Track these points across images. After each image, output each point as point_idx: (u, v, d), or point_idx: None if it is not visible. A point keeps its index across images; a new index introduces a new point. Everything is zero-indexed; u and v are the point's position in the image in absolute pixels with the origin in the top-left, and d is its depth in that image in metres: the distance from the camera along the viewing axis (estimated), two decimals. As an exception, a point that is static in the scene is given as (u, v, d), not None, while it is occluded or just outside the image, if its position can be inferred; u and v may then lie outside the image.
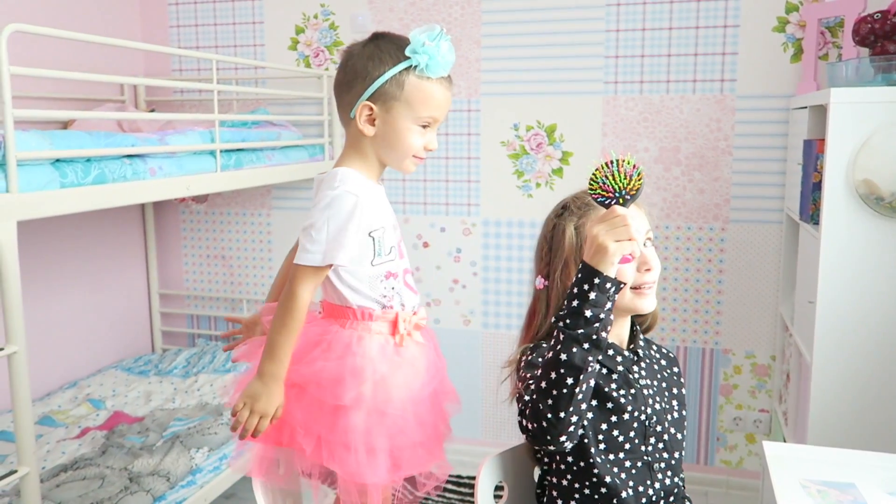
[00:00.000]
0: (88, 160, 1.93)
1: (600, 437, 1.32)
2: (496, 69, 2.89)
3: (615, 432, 1.33)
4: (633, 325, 1.46)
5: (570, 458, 1.33)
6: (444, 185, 3.01)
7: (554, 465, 1.37)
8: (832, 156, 1.87)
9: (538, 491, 1.46)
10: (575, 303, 1.15)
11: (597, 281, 1.14)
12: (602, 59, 2.77)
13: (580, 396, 1.15)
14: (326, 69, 3.08)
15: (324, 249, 1.34)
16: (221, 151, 2.46)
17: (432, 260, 3.06)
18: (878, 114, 1.82)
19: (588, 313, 1.14)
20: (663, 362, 1.49)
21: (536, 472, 1.50)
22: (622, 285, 1.18)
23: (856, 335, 1.91)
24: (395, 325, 1.45)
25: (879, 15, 1.96)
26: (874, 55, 1.98)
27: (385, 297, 1.45)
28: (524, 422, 1.20)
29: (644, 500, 1.34)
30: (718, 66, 2.66)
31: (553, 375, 1.15)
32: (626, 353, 1.41)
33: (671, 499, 1.39)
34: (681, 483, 1.42)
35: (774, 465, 1.39)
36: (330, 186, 1.38)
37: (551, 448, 1.20)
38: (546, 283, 1.40)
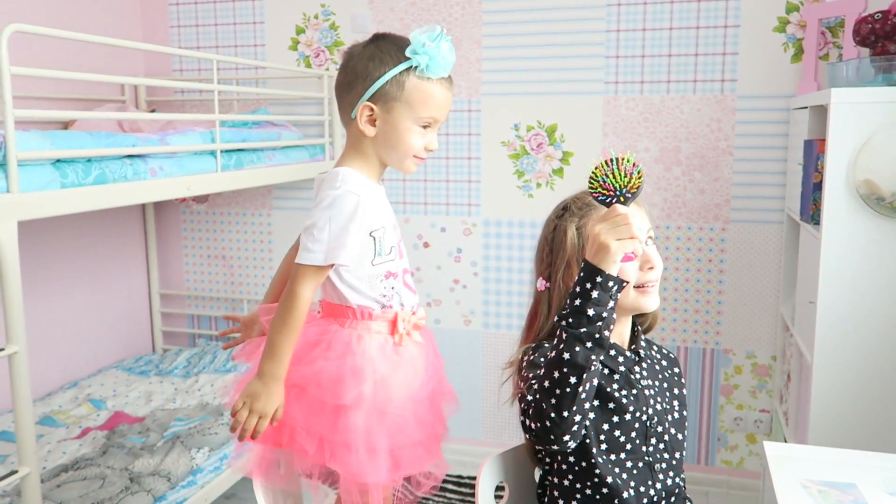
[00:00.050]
0: (89, 160, 1.93)
1: (602, 437, 1.32)
2: (497, 69, 2.89)
3: (617, 433, 1.33)
4: (634, 325, 1.46)
5: (571, 459, 1.33)
6: (444, 186, 3.01)
7: (555, 466, 1.37)
8: (833, 156, 1.87)
9: (539, 491, 1.46)
10: (577, 301, 1.15)
11: (599, 279, 1.14)
12: (603, 60, 2.77)
13: (583, 395, 1.15)
14: (327, 69, 3.08)
15: (326, 249, 1.34)
16: (222, 151, 2.46)
17: (433, 260, 3.06)
18: (879, 114, 1.82)
19: (591, 312, 1.14)
20: (664, 363, 1.49)
21: (537, 472, 1.50)
22: (624, 284, 1.18)
23: (856, 335, 1.91)
24: (394, 324, 1.46)
25: (880, 15, 1.96)
26: (875, 55, 1.98)
27: (385, 296, 1.46)
28: (527, 421, 1.20)
29: (645, 501, 1.34)
30: (719, 66, 2.66)
31: (556, 374, 1.15)
32: (628, 353, 1.41)
33: (672, 499, 1.39)
34: (682, 483, 1.42)
35: (775, 466, 1.39)
36: (332, 186, 1.38)
37: (555, 448, 1.19)
38: (547, 284, 1.40)
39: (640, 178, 1.17)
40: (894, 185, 1.81)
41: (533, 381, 1.22)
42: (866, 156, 1.83)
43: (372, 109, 1.40)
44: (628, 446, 1.34)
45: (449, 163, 2.99)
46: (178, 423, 2.54)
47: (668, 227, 2.79)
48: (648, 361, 1.44)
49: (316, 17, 3.08)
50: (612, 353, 1.38)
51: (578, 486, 1.33)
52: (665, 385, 1.44)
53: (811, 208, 2.06)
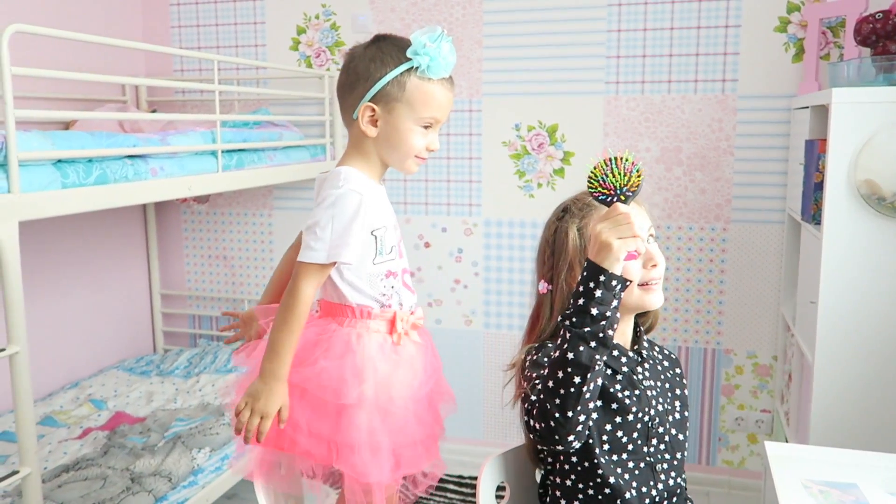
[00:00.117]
0: (90, 160, 1.93)
1: (604, 437, 1.32)
2: (498, 69, 2.89)
3: (619, 433, 1.33)
4: (636, 325, 1.46)
5: (574, 459, 1.33)
6: (445, 186, 3.01)
7: (558, 466, 1.37)
8: (834, 156, 1.87)
9: (540, 491, 1.46)
10: (581, 301, 1.15)
11: (602, 278, 1.14)
12: (603, 60, 2.77)
13: (588, 395, 1.15)
14: (328, 69, 3.08)
15: (328, 247, 1.35)
16: (223, 152, 2.46)
17: (434, 260, 3.06)
18: (880, 114, 1.82)
19: (594, 311, 1.14)
20: (666, 363, 1.49)
21: (538, 472, 1.50)
22: (628, 283, 1.18)
23: (857, 335, 1.91)
24: (392, 323, 1.46)
25: (881, 15, 1.96)
26: (876, 55, 1.97)
27: (384, 295, 1.46)
28: (531, 422, 1.20)
29: (647, 501, 1.34)
30: (720, 66, 2.66)
31: (560, 374, 1.15)
32: (631, 353, 1.41)
33: (674, 499, 1.39)
34: (683, 484, 1.42)
35: (776, 466, 1.39)
36: (334, 185, 1.38)
37: (559, 448, 1.19)
38: (549, 287, 1.40)
39: (639, 176, 1.17)
40: (895, 185, 1.81)
41: (536, 381, 1.22)
42: (867, 156, 1.83)
43: (373, 110, 1.41)
44: (630, 447, 1.34)
45: (450, 163, 2.99)
46: (179, 423, 2.54)
47: (668, 227, 2.79)
48: (650, 362, 1.44)
49: (317, 17, 3.08)
50: (615, 353, 1.38)
51: (581, 486, 1.33)
52: (667, 386, 1.44)
53: (812, 208, 2.06)
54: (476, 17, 2.89)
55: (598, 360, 1.15)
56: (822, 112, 2.10)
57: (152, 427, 2.51)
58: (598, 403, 1.31)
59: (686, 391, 1.50)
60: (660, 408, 1.39)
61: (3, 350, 1.64)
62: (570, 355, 1.14)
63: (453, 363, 3.06)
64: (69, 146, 1.86)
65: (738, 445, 2.83)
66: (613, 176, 1.18)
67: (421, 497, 1.59)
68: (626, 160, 1.18)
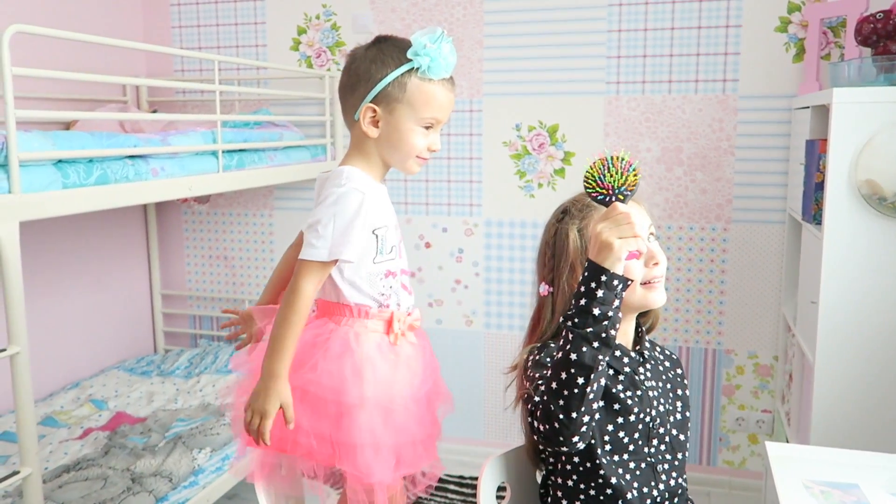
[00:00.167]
0: (91, 161, 1.93)
1: (606, 437, 1.32)
2: (498, 69, 2.89)
3: (621, 434, 1.32)
4: (637, 326, 1.46)
5: (576, 459, 1.33)
6: (446, 186, 3.01)
7: (559, 466, 1.37)
8: (835, 156, 1.87)
9: (542, 491, 1.45)
10: (583, 301, 1.15)
11: (604, 278, 1.14)
12: (604, 60, 2.77)
13: (591, 396, 1.15)
14: (328, 70, 3.08)
15: (329, 245, 1.35)
16: (223, 152, 2.46)
17: (434, 260, 3.06)
18: (881, 114, 1.82)
19: (596, 311, 1.14)
20: (667, 364, 1.49)
21: (539, 473, 1.50)
22: (629, 282, 1.18)
23: (858, 335, 1.91)
24: (389, 324, 1.47)
25: (882, 15, 1.95)
26: (876, 55, 1.97)
27: (383, 295, 1.46)
28: (535, 423, 1.19)
29: (648, 501, 1.34)
30: (721, 66, 2.66)
31: (563, 375, 1.14)
32: (633, 354, 1.41)
33: (675, 500, 1.39)
34: (685, 484, 1.42)
35: (777, 466, 1.39)
36: (336, 184, 1.39)
37: (563, 449, 1.19)
38: (550, 289, 1.40)
39: (636, 175, 1.17)
40: (896, 185, 1.81)
41: (540, 382, 1.22)
42: (868, 156, 1.83)
43: (375, 111, 1.41)
44: (631, 447, 1.34)
45: (450, 163, 2.99)
46: (180, 423, 2.54)
47: (669, 227, 2.79)
48: (652, 362, 1.44)
49: (317, 17, 3.08)
50: (617, 353, 1.38)
51: (582, 486, 1.33)
52: (668, 386, 1.44)
53: (813, 208, 2.06)
54: (477, 17, 2.89)
55: (601, 360, 1.14)
56: (822, 112, 2.10)
57: (153, 427, 2.51)
58: (601, 404, 1.31)
59: (687, 391, 1.50)
60: (661, 408, 1.39)
61: (3, 350, 1.64)
62: (573, 356, 1.14)
63: (454, 363, 3.06)
64: (70, 146, 1.86)
65: (738, 446, 2.83)
66: (610, 175, 1.18)
67: (421, 497, 1.59)
68: (623, 159, 1.18)
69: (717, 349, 2.81)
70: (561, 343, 1.17)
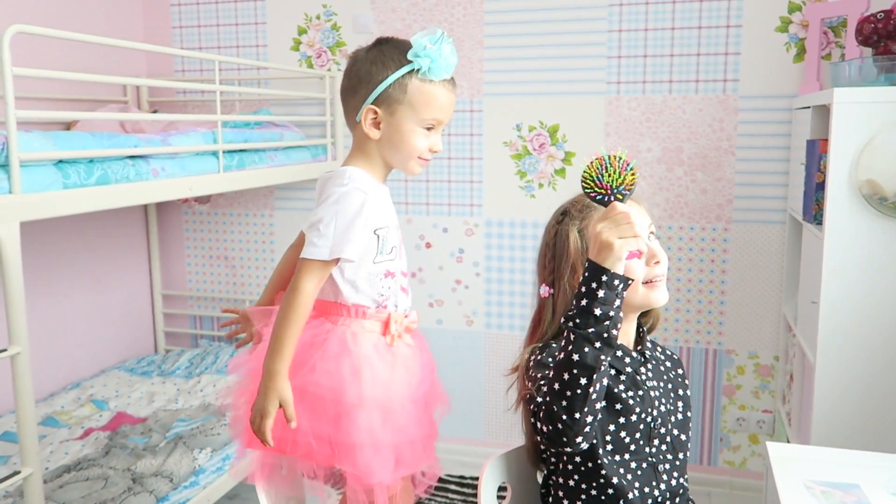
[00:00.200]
0: (91, 161, 1.93)
1: (608, 437, 1.32)
2: (499, 69, 2.89)
3: (622, 434, 1.32)
4: (639, 326, 1.45)
5: (577, 459, 1.33)
6: (446, 186, 3.01)
7: (561, 466, 1.37)
8: (835, 156, 1.86)
9: (543, 491, 1.45)
10: (584, 302, 1.15)
11: (604, 278, 1.14)
12: (605, 60, 2.77)
13: (594, 396, 1.15)
14: (329, 70, 3.08)
15: (331, 244, 1.35)
16: (224, 152, 2.46)
17: (435, 260, 3.05)
18: (882, 114, 1.82)
19: (597, 311, 1.14)
20: (668, 364, 1.49)
21: (539, 473, 1.50)
22: (630, 281, 1.17)
23: (859, 335, 1.91)
24: (386, 325, 1.47)
25: (882, 15, 1.95)
26: (877, 55, 1.97)
27: (382, 295, 1.47)
28: (539, 424, 1.19)
29: (650, 501, 1.34)
30: (721, 66, 2.66)
31: (566, 376, 1.14)
32: (634, 354, 1.41)
33: (677, 500, 1.39)
34: (686, 484, 1.42)
35: (778, 466, 1.39)
36: (339, 184, 1.39)
37: (567, 450, 1.18)
38: (551, 291, 1.40)
39: (633, 174, 1.17)
40: (897, 185, 1.81)
41: (542, 383, 1.22)
42: (869, 156, 1.82)
43: (376, 113, 1.42)
44: (632, 447, 1.34)
45: (451, 163, 2.99)
46: (181, 423, 2.54)
47: (670, 227, 2.79)
48: (653, 362, 1.44)
49: (318, 17, 3.08)
50: (619, 353, 1.38)
51: (584, 486, 1.33)
52: (669, 386, 1.44)
53: (814, 208, 2.06)
54: (477, 17, 2.88)
55: (603, 360, 1.14)
56: (823, 112, 2.10)
57: (154, 427, 2.51)
58: (603, 404, 1.31)
59: (688, 392, 1.50)
60: (662, 408, 1.39)
61: (4, 351, 1.64)
62: (576, 357, 1.14)
63: (454, 363, 3.06)
64: (70, 146, 1.87)
65: (739, 446, 2.83)
66: (608, 175, 1.17)
67: (421, 497, 1.59)
68: (620, 158, 1.17)
69: (718, 349, 2.80)
70: (563, 344, 1.17)
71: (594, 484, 1.32)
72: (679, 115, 2.72)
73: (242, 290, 3.34)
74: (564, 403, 1.14)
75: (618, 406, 1.32)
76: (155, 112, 3.22)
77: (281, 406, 1.33)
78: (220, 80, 2.79)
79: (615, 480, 1.31)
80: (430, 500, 2.80)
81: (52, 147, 1.80)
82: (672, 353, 1.54)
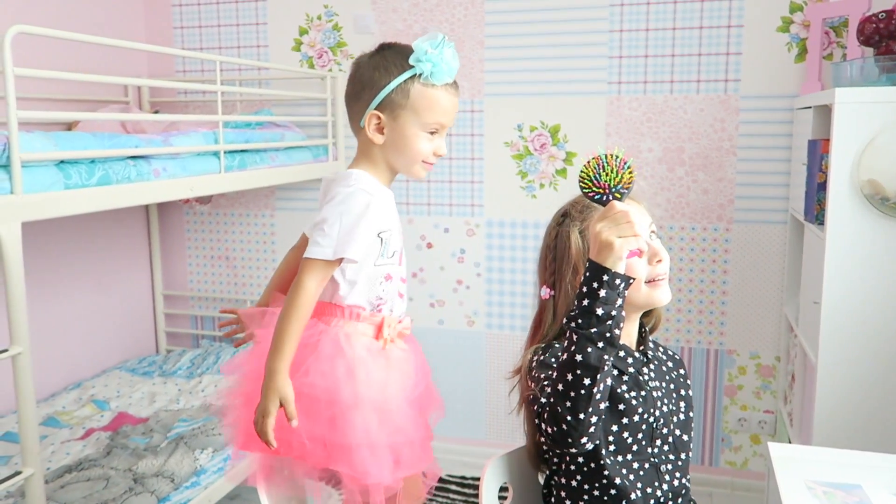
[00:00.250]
0: (92, 161, 1.93)
1: (610, 438, 1.32)
2: (500, 70, 2.89)
3: (625, 434, 1.32)
4: (641, 326, 1.45)
5: (580, 460, 1.33)
6: (447, 186, 3.01)
7: (563, 466, 1.37)
8: (837, 156, 1.86)
9: (545, 492, 1.45)
10: (585, 302, 1.14)
11: (605, 278, 1.13)
12: (606, 60, 2.77)
13: (598, 396, 1.14)
14: (330, 70, 3.08)
15: (335, 244, 1.36)
16: (225, 152, 2.46)
17: (436, 261, 3.05)
18: (883, 114, 1.82)
19: (599, 311, 1.13)
20: (670, 364, 1.49)
21: (540, 474, 1.50)
22: (631, 280, 1.17)
23: (861, 336, 1.90)
24: (379, 328, 1.47)
25: (884, 14, 1.95)
26: (879, 55, 1.97)
27: (380, 298, 1.47)
28: (543, 425, 1.19)
29: (652, 502, 1.34)
30: (722, 66, 2.66)
31: (569, 377, 1.14)
32: (637, 354, 1.41)
33: (679, 500, 1.39)
34: (688, 484, 1.42)
35: (779, 467, 1.39)
36: (344, 185, 1.40)
37: (572, 451, 1.18)
38: (552, 292, 1.39)
39: (631, 173, 1.17)
40: (899, 185, 1.81)
41: (546, 384, 1.21)
42: (870, 156, 1.82)
43: (379, 118, 1.43)
44: (634, 447, 1.34)
45: (452, 163, 2.99)
46: (182, 423, 2.54)
47: (671, 227, 2.79)
48: (656, 363, 1.44)
49: (319, 18, 3.08)
50: (622, 354, 1.38)
51: (586, 486, 1.33)
52: (672, 386, 1.44)
53: (815, 208, 2.06)
54: (478, 17, 2.88)
55: (606, 360, 1.14)
56: (824, 112, 2.10)
57: (155, 428, 2.51)
58: (606, 404, 1.31)
59: (690, 392, 1.49)
60: (665, 409, 1.39)
61: (5, 351, 1.64)
62: (579, 357, 1.13)
63: (455, 364, 3.06)
64: (72, 147, 1.87)
65: (741, 446, 2.82)
66: (606, 174, 1.17)
67: (422, 498, 1.59)
68: (617, 157, 1.17)
69: (720, 349, 2.80)
70: (565, 344, 1.17)
71: (597, 484, 1.32)
72: (680, 115, 2.72)
73: (243, 291, 3.34)
74: (568, 404, 1.14)
75: (620, 406, 1.32)
76: (156, 112, 3.22)
77: (281, 405, 1.33)
78: (222, 81, 2.79)
79: (617, 481, 1.31)
80: (431, 500, 2.80)
81: (54, 147, 1.81)
82: (674, 354, 1.54)
